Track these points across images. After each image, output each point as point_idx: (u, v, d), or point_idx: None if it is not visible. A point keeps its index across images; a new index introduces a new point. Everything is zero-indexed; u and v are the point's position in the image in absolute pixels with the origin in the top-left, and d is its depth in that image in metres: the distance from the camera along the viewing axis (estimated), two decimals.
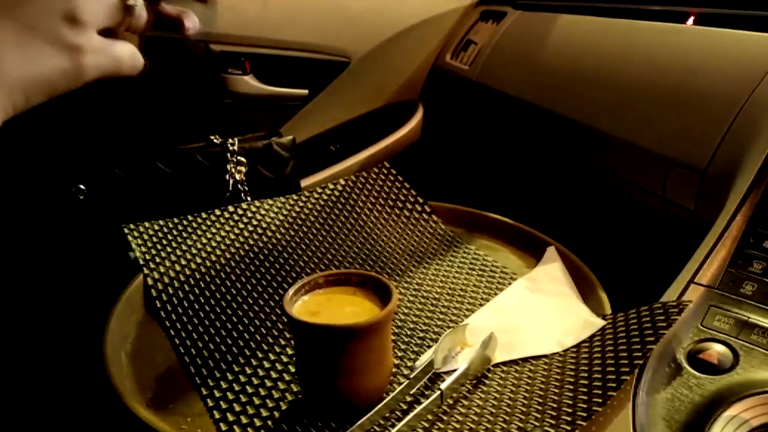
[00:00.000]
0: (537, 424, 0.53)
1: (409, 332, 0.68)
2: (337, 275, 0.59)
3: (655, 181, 0.78)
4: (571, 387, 0.56)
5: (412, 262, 0.83)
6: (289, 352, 0.65)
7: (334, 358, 0.53)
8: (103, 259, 0.86)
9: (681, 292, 0.59)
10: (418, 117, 1.28)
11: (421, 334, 0.68)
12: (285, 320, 0.70)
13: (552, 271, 0.77)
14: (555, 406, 0.54)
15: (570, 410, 0.53)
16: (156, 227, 0.86)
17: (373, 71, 1.31)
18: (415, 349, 0.66)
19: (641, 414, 0.50)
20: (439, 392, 0.55)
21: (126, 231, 0.84)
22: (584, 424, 0.50)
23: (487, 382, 0.60)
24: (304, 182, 1.13)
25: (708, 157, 0.71)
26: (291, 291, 0.56)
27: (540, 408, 0.55)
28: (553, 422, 0.52)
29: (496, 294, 0.75)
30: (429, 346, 0.66)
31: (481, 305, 0.73)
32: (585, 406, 0.52)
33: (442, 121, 1.29)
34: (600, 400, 0.52)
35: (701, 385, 0.51)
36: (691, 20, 0.88)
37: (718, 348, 0.54)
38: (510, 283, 0.76)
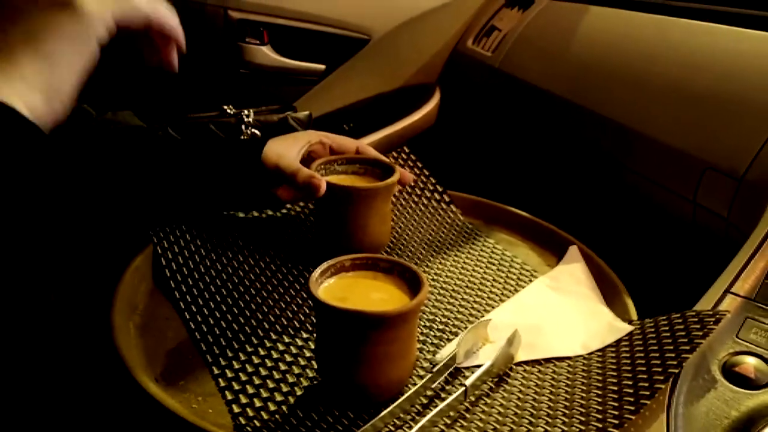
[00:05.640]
0: (566, 428, 0.51)
1: (427, 323, 0.66)
2: (364, 259, 0.56)
3: (687, 185, 0.75)
4: (599, 392, 0.54)
5: (430, 251, 0.80)
6: (304, 335, 0.63)
7: (359, 346, 0.51)
8: (109, 225, 0.83)
9: (716, 302, 0.57)
10: (434, 101, 1.25)
11: (440, 327, 0.66)
12: (300, 300, 0.68)
13: (574, 271, 0.74)
14: (583, 410, 0.52)
15: (600, 416, 0.51)
16: None
17: (392, 51, 1.28)
18: (434, 341, 0.64)
19: (678, 426, 0.48)
20: (463, 389, 0.53)
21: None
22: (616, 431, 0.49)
23: (509, 380, 0.58)
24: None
25: (746, 164, 0.69)
26: (317, 272, 0.53)
27: (567, 411, 0.53)
28: (582, 427, 0.50)
29: (515, 290, 0.72)
30: (448, 340, 0.64)
31: (501, 301, 0.71)
32: (616, 413, 0.50)
33: (460, 107, 1.26)
34: (632, 408, 0.50)
35: (738, 400, 0.50)
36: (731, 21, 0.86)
37: (754, 362, 0.52)
38: (530, 281, 0.74)
